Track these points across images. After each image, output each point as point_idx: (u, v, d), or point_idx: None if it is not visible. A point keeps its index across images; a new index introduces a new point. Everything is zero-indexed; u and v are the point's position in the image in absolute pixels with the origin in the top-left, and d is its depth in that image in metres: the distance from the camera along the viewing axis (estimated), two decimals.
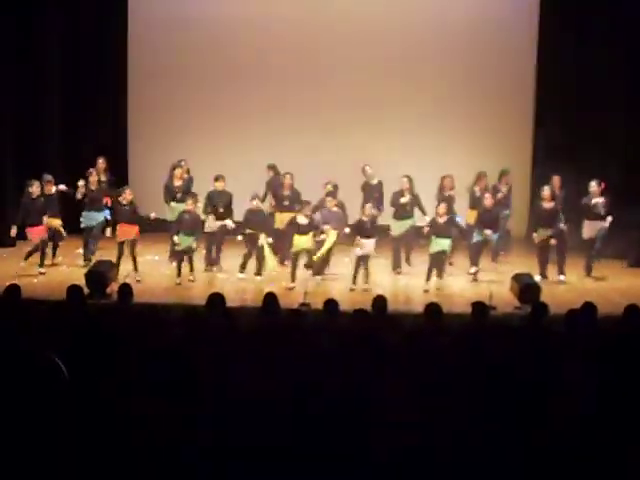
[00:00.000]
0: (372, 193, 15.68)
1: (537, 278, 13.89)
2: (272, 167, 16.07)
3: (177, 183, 15.40)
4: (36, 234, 14.17)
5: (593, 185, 15.01)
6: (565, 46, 17.14)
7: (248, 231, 14.18)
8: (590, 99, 16.74)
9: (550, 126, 16.88)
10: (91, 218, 14.99)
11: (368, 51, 17.77)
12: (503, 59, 17.79)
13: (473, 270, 14.38)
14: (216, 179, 15.03)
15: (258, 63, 17.95)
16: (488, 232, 14.40)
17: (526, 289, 12.66)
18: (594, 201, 14.81)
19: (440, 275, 13.93)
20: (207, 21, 18.08)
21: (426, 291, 13.60)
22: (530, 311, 9.58)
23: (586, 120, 16.70)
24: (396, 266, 15.03)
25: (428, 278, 13.83)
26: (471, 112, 17.75)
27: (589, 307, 9.30)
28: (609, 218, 14.92)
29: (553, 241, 14.40)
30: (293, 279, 13.70)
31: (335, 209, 14.56)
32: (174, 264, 14.28)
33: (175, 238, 14.09)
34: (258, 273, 14.19)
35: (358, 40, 17.78)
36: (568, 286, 14.20)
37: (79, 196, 14.98)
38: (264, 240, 14.12)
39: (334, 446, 5.85)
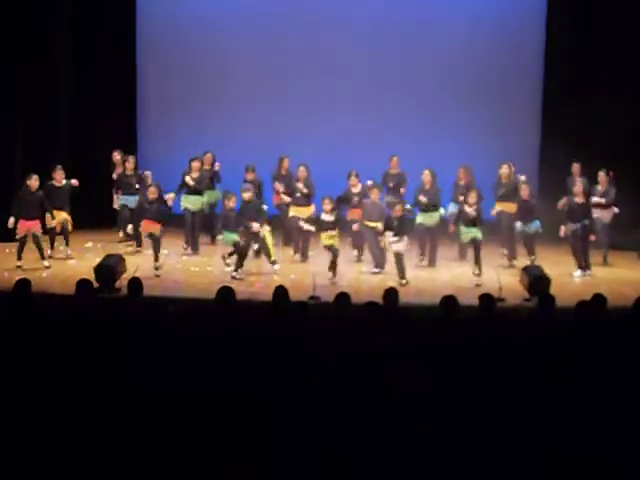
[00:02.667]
0: (388, 182, 15.68)
1: (577, 273, 14.07)
2: (281, 159, 15.99)
3: (194, 175, 15.50)
4: (24, 228, 14.05)
5: (601, 175, 15.14)
6: (573, 33, 17.17)
7: (255, 225, 14.03)
8: (598, 87, 16.74)
9: (558, 118, 16.85)
10: (127, 200, 15.49)
11: (382, 43, 17.83)
12: (511, 48, 17.80)
13: (533, 258, 14.59)
14: (247, 170, 15.41)
15: (270, 54, 18.01)
16: (518, 224, 14.54)
17: (535, 281, 12.65)
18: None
19: (479, 268, 13.71)
20: (216, 14, 18.11)
21: (478, 285, 13.17)
22: (537, 303, 9.58)
23: (595, 109, 16.66)
24: (421, 253, 15.02)
25: (479, 270, 13.70)
26: (479, 102, 17.75)
27: (599, 299, 9.29)
28: (615, 209, 15.06)
29: (593, 237, 14.41)
30: (334, 274, 13.66)
31: (378, 201, 14.47)
32: (226, 260, 14.05)
33: (220, 237, 14.14)
34: (273, 262, 14.17)
35: (372, 32, 17.84)
36: (578, 278, 14.16)
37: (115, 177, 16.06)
38: (264, 230, 14.11)
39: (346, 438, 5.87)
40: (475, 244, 13.87)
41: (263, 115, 17.93)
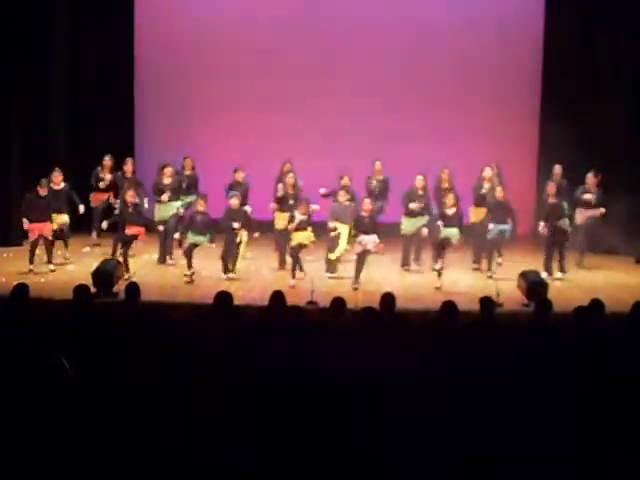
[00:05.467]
0: (374, 189, 15.67)
1: (543, 275, 13.97)
2: (284, 164, 15.87)
3: (166, 181, 15.26)
4: (36, 230, 14.08)
5: (589, 177, 15.24)
6: (571, 34, 17.26)
7: (236, 225, 14.05)
8: (596, 90, 16.77)
9: (557, 120, 16.83)
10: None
11: (380, 46, 17.90)
12: (509, 53, 17.85)
13: (500, 260, 14.76)
14: (235, 170, 15.39)
15: (269, 56, 18.08)
16: (491, 226, 14.50)
17: (533, 286, 12.65)
18: (586, 196, 15.07)
19: (436, 259, 13.81)
20: (214, 14, 18.17)
21: (437, 288, 13.47)
22: (535, 308, 9.58)
23: (593, 112, 16.66)
24: (405, 263, 15.01)
25: (436, 262, 13.81)
26: (477, 107, 17.79)
27: (596, 304, 9.29)
28: (601, 209, 15.14)
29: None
30: (294, 276, 13.69)
31: (347, 203, 14.51)
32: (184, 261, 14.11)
33: (176, 235, 14.21)
34: (228, 270, 14.08)
35: (371, 34, 17.92)
36: (576, 283, 14.19)
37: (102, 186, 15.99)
38: (244, 237, 14.13)
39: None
40: (445, 242, 13.87)
41: (262, 116, 17.99)
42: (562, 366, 7.31)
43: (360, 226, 13.81)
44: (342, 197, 14.53)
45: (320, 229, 14.25)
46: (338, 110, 17.88)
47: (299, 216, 13.94)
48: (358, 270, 13.67)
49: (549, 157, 16.72)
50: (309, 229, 13.93)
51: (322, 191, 14.99)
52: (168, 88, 18.28)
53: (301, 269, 13.85)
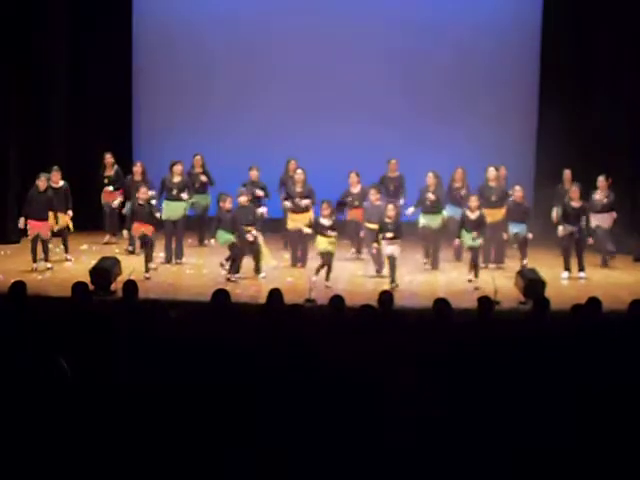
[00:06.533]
0: (389, 185, 15.66)
1: (565, 274, 14.15)
2: (288, 162, 15.82)
3: (176, 179, 15.24)
4: (35, 229, 14.06)
5: (601, 180, 15.13)
6: (568, 36, 17.24)
7: (243, 232, 13.96)
8: (596, 90, 16.76)
9: (554, 120, 16.85)
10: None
11: (381, 46, 17.86)
12: (507, 52, 17.85)
13: (525, 262, 14.57)
14: (250, 169, 15.39)
15: (266, 55, 18.03)
16: (511, 227, 14.61)
17: (530, 284, 12.65)
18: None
19: (475, 273, 13.69)
20: (213, 14, 18.14)
21: (477, 289, 13.16)
22: (532, 306, 9.59)
23: (593, 112, 16.67)
24: (426, 256, 14.95)
25: (471, 270, 13.79)
26: (475, 105, 17.79)
27: (594, 302, 9.30)
28: (613, 213, 15.09)
29: (590, 240, 14.47)
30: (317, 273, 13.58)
31: (378, 203, 14.48)
32: (225, 266, 13.82)
33: (212, 241, 13.94)
34: (257, 271, 14.04)
35: (369, 34, 17.87)
36: (574, 281, 14.18)
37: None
38: (257, 235, 14.00)
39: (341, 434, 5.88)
40: (473, 251, 13.86)
41: (260, 117, 17.93)
42: (559, 364, 7.32)
43: (384, 233, 13.68)
44: (373, 196, 14.53)
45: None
46: (338, 109, 17.84)
47: (324, 220, 13.82)
48: (393, 272, 13.49)
49: (548, 158, 16.71)
50: (334, 236, 13.76)
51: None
52: (167, 88, 18.26)
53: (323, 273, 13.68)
